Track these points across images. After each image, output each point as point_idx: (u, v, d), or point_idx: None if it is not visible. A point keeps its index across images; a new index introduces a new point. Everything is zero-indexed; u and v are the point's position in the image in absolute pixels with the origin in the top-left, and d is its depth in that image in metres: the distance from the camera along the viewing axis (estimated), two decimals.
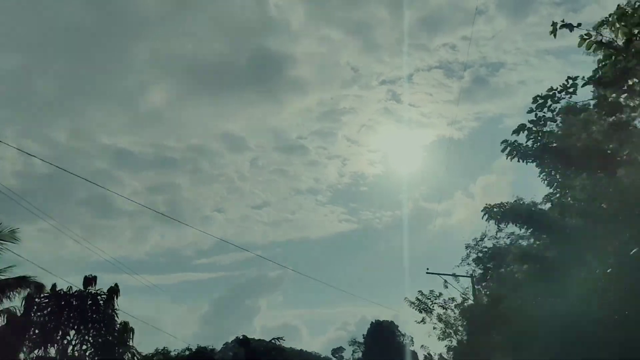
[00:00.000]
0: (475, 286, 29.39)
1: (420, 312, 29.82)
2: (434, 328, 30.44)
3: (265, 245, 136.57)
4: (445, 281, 29.95)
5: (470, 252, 29.06)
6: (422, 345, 30.79)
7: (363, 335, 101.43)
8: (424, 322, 29.76)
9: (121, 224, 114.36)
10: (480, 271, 30.95)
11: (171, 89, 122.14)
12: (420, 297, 29.83)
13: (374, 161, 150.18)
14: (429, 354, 31.65)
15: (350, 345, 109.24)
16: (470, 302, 29.31)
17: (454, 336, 30.40)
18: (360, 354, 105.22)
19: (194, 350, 41.06)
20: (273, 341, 37.25)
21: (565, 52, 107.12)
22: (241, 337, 38.63)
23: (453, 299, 30.23)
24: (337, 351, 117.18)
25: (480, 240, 28.94)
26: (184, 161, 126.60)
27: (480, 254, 28.10)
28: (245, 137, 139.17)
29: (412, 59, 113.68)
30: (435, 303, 29.69)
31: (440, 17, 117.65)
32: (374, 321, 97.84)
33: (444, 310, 30.09)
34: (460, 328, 30.31)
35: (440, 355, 31.58)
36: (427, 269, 29.29)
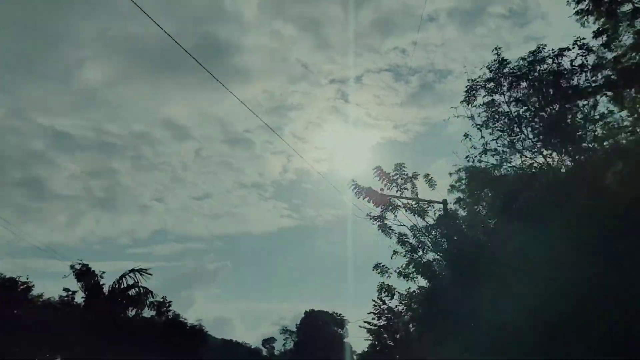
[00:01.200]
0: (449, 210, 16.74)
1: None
2: (395, 253, 16.96)
3: (205, 238, 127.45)
4: (415, 175, 16.36)
5: (473, 84, 15.16)
6: (375, 265, 17.01)
7: (296, 324, 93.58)
8: (379, 221, 16.20)
9: (56, 208, 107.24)
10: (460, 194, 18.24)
11: (112, 69, 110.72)
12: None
13: (319, 159, 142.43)
14: (387, 285, 18.15)
15: (281, 333, 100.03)
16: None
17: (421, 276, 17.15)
18: (292, 344, 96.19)
19: None
20: (130, 274, 22.38)
21: None
22: (79, 266, 23.61)
23: (430, 203, 16.91)
24: (268, 342, 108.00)
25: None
26: (124, 147, 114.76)
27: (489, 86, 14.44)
28: (189, 126, 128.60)
29: (363, 60, 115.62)
30: (404, 189, 16.13)
31: (392, 21, 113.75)
32: (307, 310, 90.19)
33: (416, 218, 16.71)
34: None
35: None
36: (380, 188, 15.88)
